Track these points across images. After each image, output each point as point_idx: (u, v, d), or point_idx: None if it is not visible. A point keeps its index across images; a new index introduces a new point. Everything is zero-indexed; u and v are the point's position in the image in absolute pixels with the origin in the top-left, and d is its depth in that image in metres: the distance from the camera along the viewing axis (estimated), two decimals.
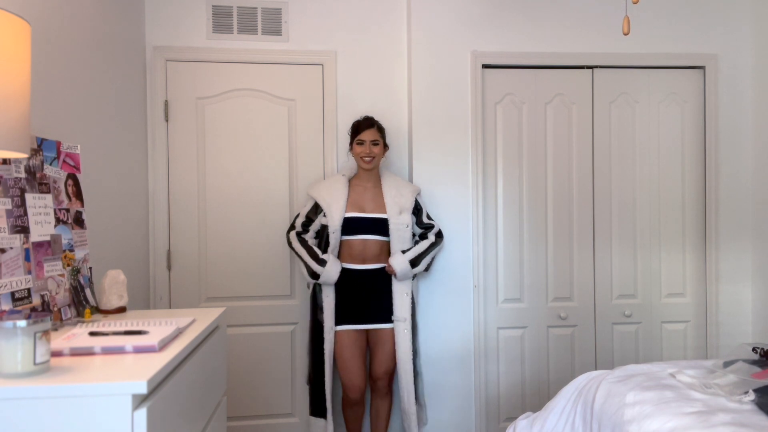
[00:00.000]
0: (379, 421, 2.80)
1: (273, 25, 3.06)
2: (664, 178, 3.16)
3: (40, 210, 1.67)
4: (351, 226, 2.68)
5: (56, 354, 1.27)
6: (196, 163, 3.01)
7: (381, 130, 2.78)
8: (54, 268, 1.68)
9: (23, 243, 1.57)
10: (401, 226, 2.71)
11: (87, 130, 2.25)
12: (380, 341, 2.73)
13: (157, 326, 1.51)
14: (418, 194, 2.87)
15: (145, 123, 2.97)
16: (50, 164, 1.75)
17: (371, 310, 2.71)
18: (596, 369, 2.75)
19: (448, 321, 3.00)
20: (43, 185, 1.70)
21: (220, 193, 3.02)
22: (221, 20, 3.03)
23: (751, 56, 3.18)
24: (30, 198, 1.63)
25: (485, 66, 3.05)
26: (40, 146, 1.72)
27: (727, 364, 2.02)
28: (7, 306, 1.46)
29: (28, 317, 1.13)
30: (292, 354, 3.07)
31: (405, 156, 3.12)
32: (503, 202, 3.08)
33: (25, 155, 1.40)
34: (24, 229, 1.58)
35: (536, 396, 3.09)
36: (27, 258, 1.57)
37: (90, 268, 1.90)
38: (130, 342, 1.33)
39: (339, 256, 2.71)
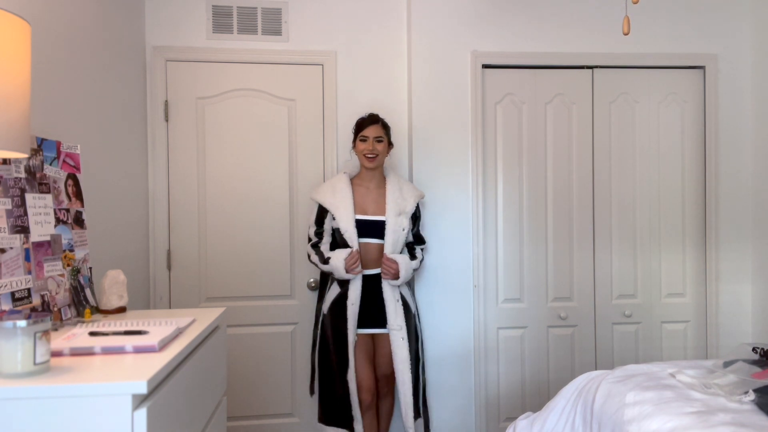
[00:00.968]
0: (380, 420, 2.79)
1: (273, 25, 3.06)
2: (664, 178, 3.16)
3: (40, 210, 1.67)
4: None
5: (56, 354, 1.27)
6: (196, 163, 3.01)
7: (386, 127, 2.73)
8: (54, 268, 1.68)
9: (23, 243, 1.57)
10: (398, 228, 2.64)
11: (87, 130, 2.25)
12: (379, 345, 2.69)
13: (157, 326, 1.51)
14: (421, 200, 2.83)
15: (145, 123, 2.97)
16: (50, 164, 1.75)
17: (372, 315, 2.65)
18: (596, 369, 2.75)
19: (448, 321, 3.00)
20: (43, 185, 1.70)
21: (220, 193, 3.02)
22: (221, 20, 3.03)
23: (751, 56, 3.18)
24: (30, 198, 1.63)
25: (485, 66, 3.05)
26: (40, 146, 1.72)
27: (727, 364, 2.02)
28: (7, 306, 1.46)
29: (28, 317, 1.13)
30: (292, 354, 3.07)
31: (405, 156, 3.12)
32: (503, 202, 3.08)
33: (25, 155, 1.40)
34: (24, 229, 1.58)
35: (536, 396, 3.09)
36: (27, 258, 1.57)
37: (90, 268, 1.90)
38: (130, 342, 1.33)
39: None
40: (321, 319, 2.72)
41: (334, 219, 2.64)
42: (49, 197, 1.72)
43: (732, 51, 3.17)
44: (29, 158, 1.65)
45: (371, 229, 2.65)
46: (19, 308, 1.50)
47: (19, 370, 1.12)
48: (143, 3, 2.97)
